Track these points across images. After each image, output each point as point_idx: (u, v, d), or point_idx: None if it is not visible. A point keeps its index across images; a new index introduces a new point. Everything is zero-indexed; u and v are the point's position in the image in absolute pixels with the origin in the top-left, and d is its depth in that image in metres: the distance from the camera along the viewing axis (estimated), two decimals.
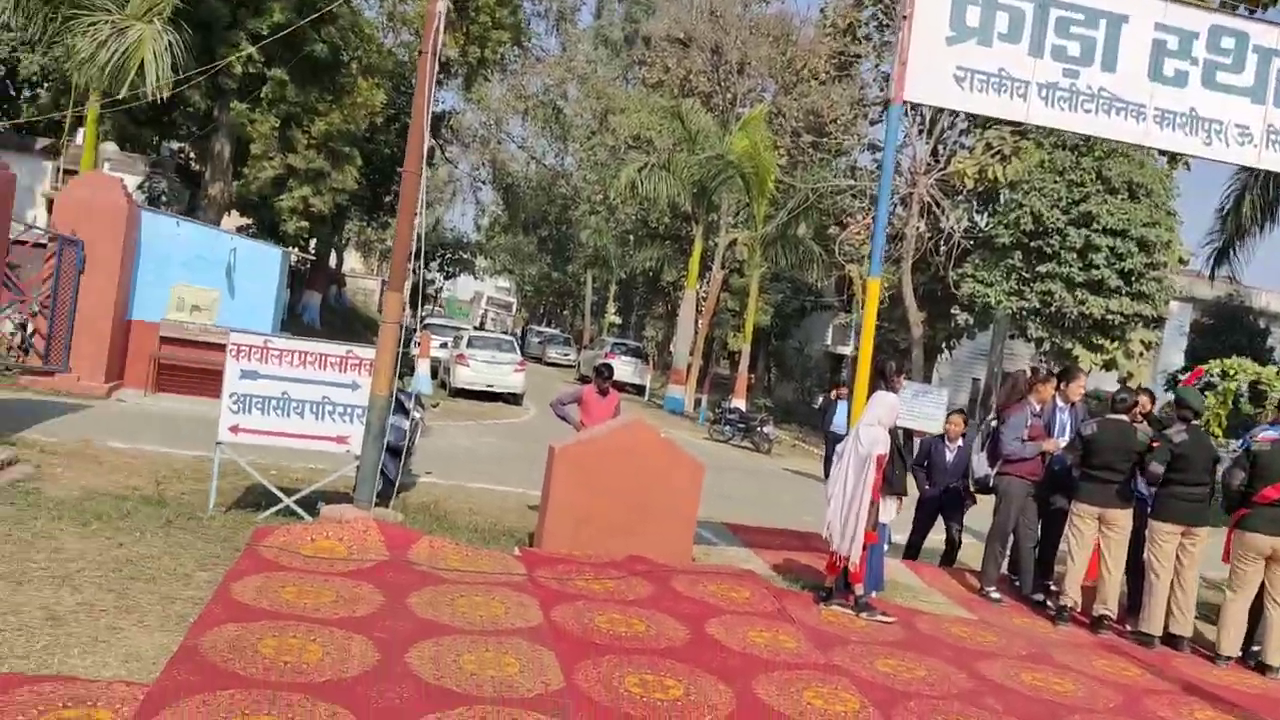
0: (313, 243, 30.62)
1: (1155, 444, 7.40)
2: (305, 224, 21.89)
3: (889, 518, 7.46)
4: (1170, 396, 19.23)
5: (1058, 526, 8.21)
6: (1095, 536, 7.54)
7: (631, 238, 40.85)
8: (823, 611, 6.86)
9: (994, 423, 8.44)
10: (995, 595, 7.99)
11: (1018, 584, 8.30)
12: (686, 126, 27.64)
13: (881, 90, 27.16)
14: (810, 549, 8.66)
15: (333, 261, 42.65)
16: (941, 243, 23.53)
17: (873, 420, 6.86)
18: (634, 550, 7.40)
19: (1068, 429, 8.13)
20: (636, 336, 43.46)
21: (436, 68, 8.70)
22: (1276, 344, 31.16)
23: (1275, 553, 6.98)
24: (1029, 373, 8.44)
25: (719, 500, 12.79)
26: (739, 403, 24.84)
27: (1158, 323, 22.18)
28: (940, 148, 25.34)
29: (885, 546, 8.63)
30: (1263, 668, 7.00)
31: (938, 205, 23.73)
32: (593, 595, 6.42)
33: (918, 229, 24.32)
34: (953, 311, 26.10)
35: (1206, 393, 14.88)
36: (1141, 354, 23.51)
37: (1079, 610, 7.61)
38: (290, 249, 21.21)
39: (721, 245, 30.12)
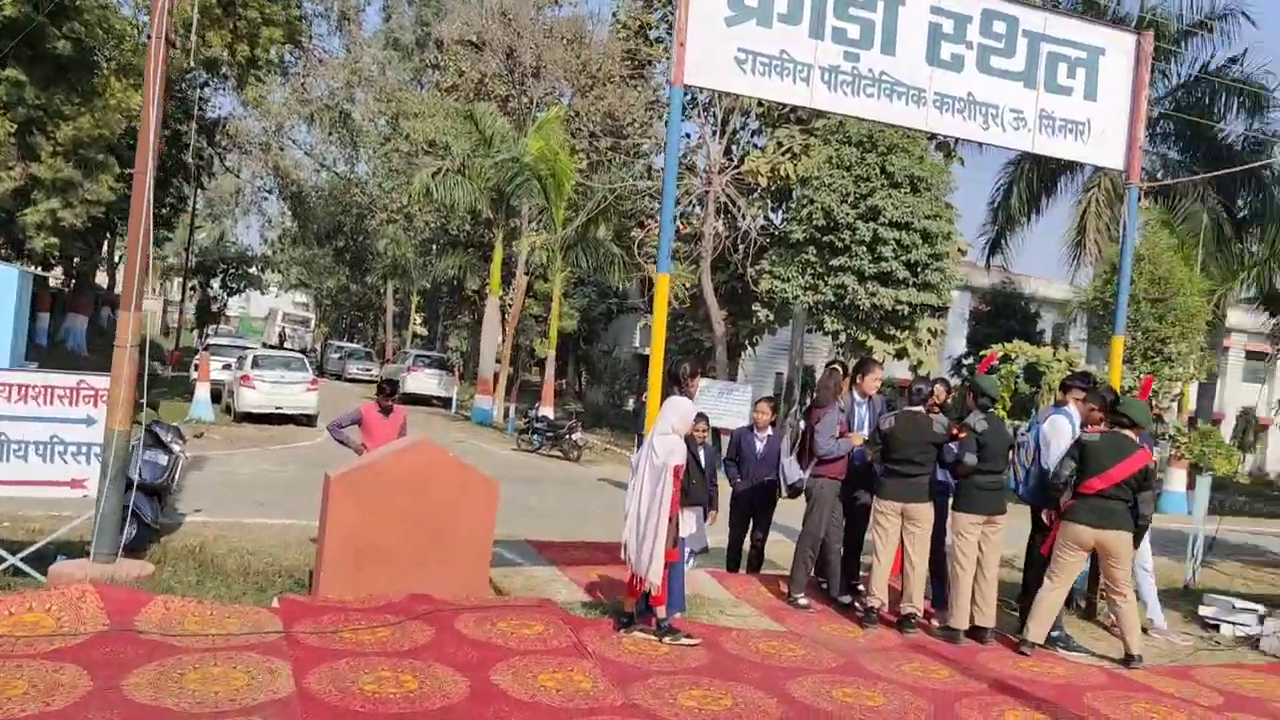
0: (73, 261, 27.74)
1: (959, 434, 7.23)
2: (55, 240, 19.59)
3: (689, 531, 6.95)
4: (956, 382, 20.01)
5: (861, 524, 7.97)
6: (899, 533, 7.29)
7: (434, 246, 39.46)
8: (624, 639, 6.25)
9: (800, 423, 8.09)
10: (803, 602, 7.63)
11: (825, 586, 7.99)
12: (481, 130, 26.75)
13: None
14: (619, 562, 8.06)
15: (103, 281, 39.13)
16: (739, 241, 23.66)
17: (666, 428, 6.31)
18: (424, 585, 6.62)
19: (866, 424, 7.87)
20: (442, 348, 42.03)
21: (165, 52, 7.61)
22: (1046, 327, 33.36)
23: (1100, 544, 6.91)
24: (839, 369, 8.10)
25: (525, 515, 12.08)
26: (547, 410, 24.16)
27: (942, 311, 23.04)
28: (734, 147, 25.53)
29: (688, 563, 8.16)
30: (1128, 659, 6.89)
31: (734, 204, 23.85)
32: (361, 649, 5.56)
33: (716, 228, 24.36)
34: (754, 308, 26.37)
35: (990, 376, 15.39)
36: (929, 341, 24.39)
37: (886, 610, 7.35)
38: (34, 268, 18.95)
39: (524, 250, 29.35)
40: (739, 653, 6.28)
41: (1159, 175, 26.85)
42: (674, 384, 6.87)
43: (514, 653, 5.75)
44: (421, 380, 31.86)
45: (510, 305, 29.75)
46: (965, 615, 7.11)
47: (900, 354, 22.70)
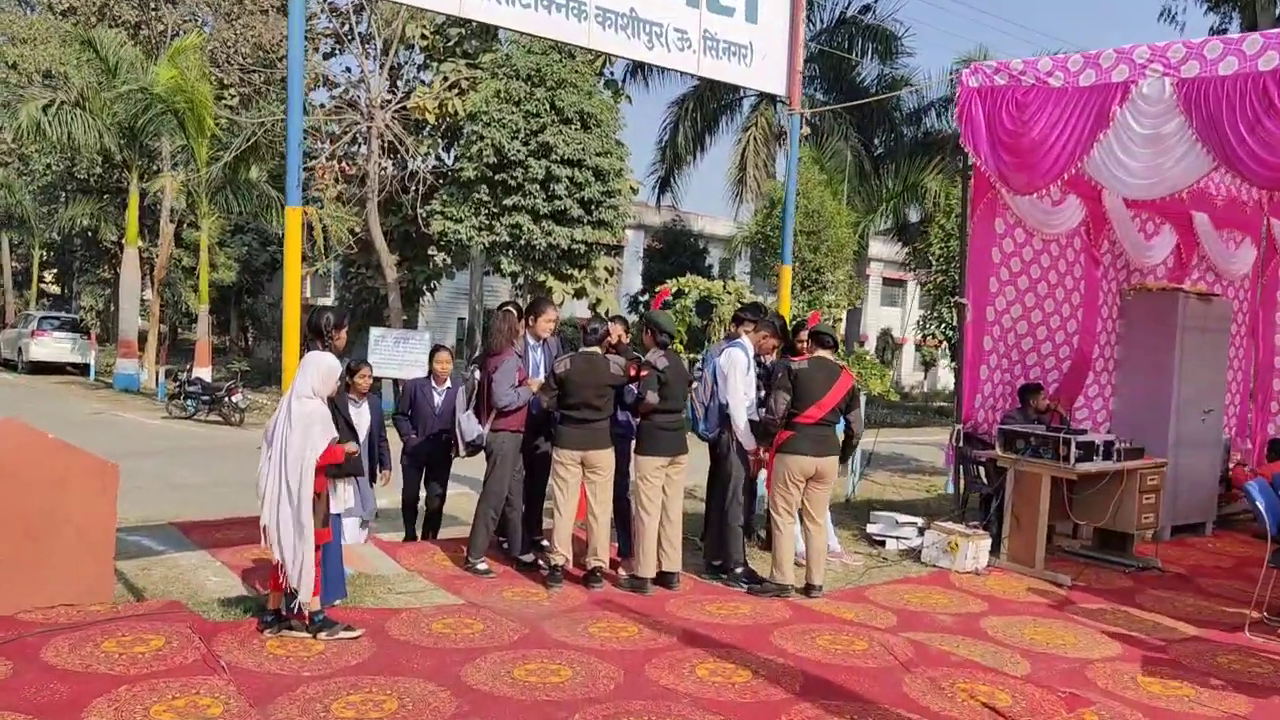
0: None
1: (639, 374, 6.80)
2: None
3: (348, 505, 6.02)
4: (634, 319, 20.13)
5: (542, 475, 7.41)
6: (580, 483, 6.79)
7: (63, 194, 34.27)
8: (269, 642, 5.26)
9: (476, 373, 7.33)
10: (482, 567, 6.96)
11: (505, 545, 7.36)
12: (104, 58, 23.17)
13: (330, 21, 24.99)
14: None
15: None
16: (408, 181, 22.30)
17: (305, 389, 5.32)
18: (18, 598, 5.29)
19: (542, 368, 7.27)
20: (76, 308, 36.93)
21: None
22: (714, 262, 34.80)
23: (818, 472, 6.80)
24: (513, 311, 7.38)
25: (175, 493, 10.51)
26: (203, 371, 21.70)
27: (618, 250, 23.12)
28: (400, 83, 23.94)
29: (362, 534, 7.23)
30: (809, 589, 6.78)
31: (401, 143, 22.38)
32: None
33: (384, 167, 22.81)
34: (430, 252, 25.17)
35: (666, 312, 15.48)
36: (607, 280, 24.48)
37: (571, 565, 6.84)
38: None
39: (168, 195, 26.05)
40: (409, 638, 5.49)
41: (808, 116, 28.54)
42: (315, 337, 5.84)
43: (122, 680, 4.61)
44: (50, 346, 27.69)
45: (158, 257, 26.43)
46: (652, 562, 6.76)
47: (579, 293, 22.54)
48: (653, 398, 6.72)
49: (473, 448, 7.20)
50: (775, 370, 7.03)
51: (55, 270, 43.53)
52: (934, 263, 14.05)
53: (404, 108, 22.68)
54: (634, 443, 7.01)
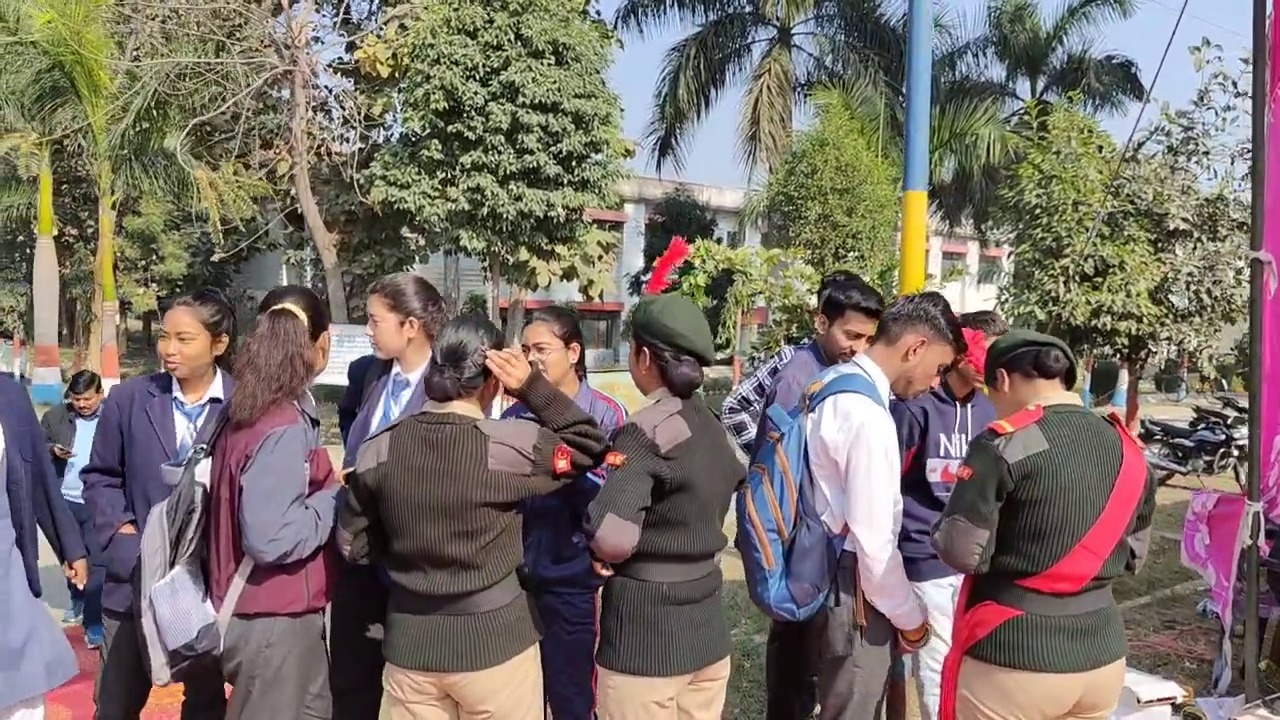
0: None
1: (607, 459, 2.22)
2: None
3: None
4: (636, 300, 15.44)
5: None
6: None
7: None
8: None
9: (198, 468, 2.71)
10: None
11: None
12: None
13: None
14: None
15: None
16: (345, 140, 17.63)
17: None
18: None
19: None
20: None
21: None
22: (722, 236, 30.16)
23: (1082, 704, 2.44)
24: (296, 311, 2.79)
25: None
26: (111, 380, 17.15)
27: (616, 225, 18.44)
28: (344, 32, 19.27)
29: None
30: None
31: (337, 98, 17.76)
32: None
33: (322, 127, 18.17)
34: (404, 233, 20.58)
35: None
36: (601, 257, 19.87)
37: None
38: None
39: (104, 175, 21.43)
40: None
41: (828, 60, 23.79)
42: None
43: None
44: None
45: (91, 248, 21.89)
46: None
47: (568, 274, 17.91)
48: (620, 533, 2.26)
49: (183, 662, 2.62)
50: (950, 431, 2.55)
51: None
52: (1024, 219, 9.70)
53: (346, 61, 18.08)
54: (597, 643, 2.52)
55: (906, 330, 2.87)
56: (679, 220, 28.24)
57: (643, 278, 26.21)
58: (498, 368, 2.57)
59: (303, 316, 2.74)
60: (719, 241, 26.96)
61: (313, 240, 17.99)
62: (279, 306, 2.75)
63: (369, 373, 3.38)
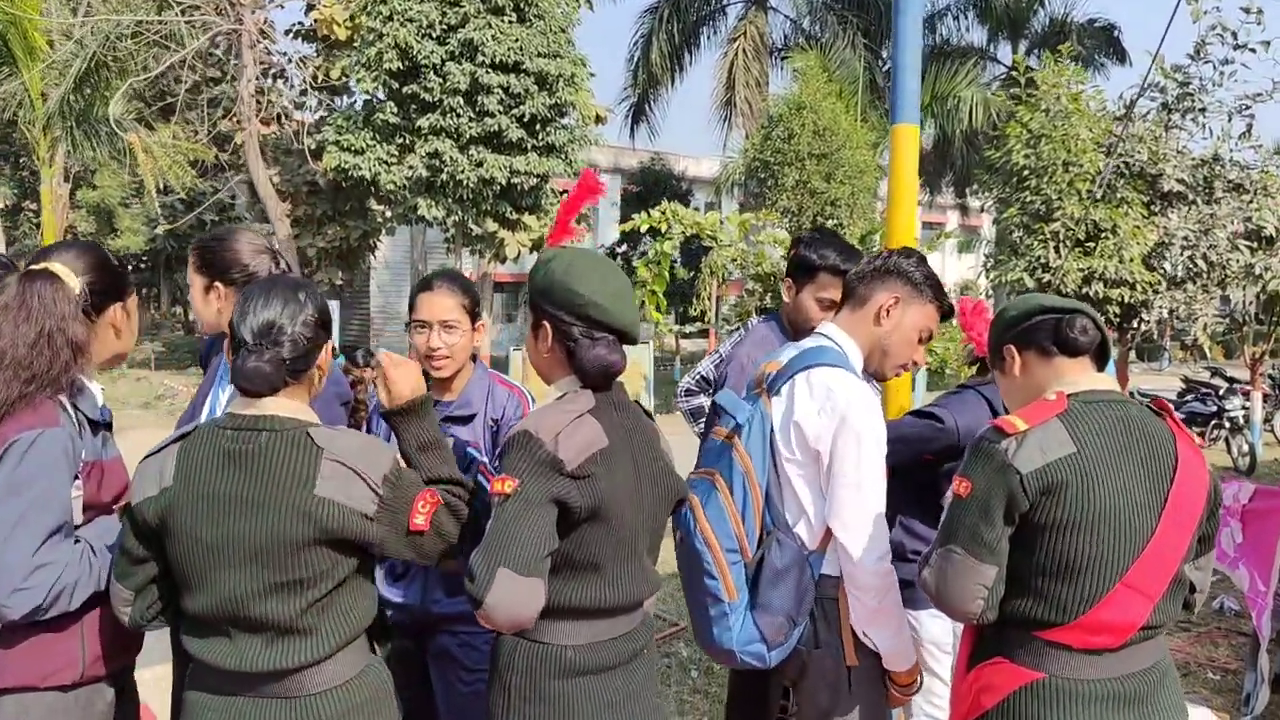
0: None
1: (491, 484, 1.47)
2: None
3: None
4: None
5: None
6: None
7: None
8: None
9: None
10: None
11: None
12: None
13: None
14: None
15: None
16: (293, 102, 16.70)
17: None
18: None
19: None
20: None
21: None
22: (699, 205, 29.35)
23: None
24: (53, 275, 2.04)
25: None
26: None
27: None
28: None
29: None
30: None
31: (282, 53, 16.80)
32: None
33: (279, 90, 17.21)
34: (371, 205, 19.69)
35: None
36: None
37: None
38: None
39: (42, 143, 20.39)
40: None
41: (805, 22, 22.93)
42: None
43: None
44: None
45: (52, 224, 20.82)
46: None
47: (537, 246, 17.13)
48: (518, 597, 1.62)
49: None
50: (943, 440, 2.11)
51: None
52: (1011, 181, 9.07)
53: (304, 25, 17.09)
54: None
55: (876, 288, 2.19)
56: (655, 190, 27.37)
57: (619, 251, 25.40)
58: (387, 368, 1.90)
59: (72, 281, 1.99)
60: (698, 209, 26.19)
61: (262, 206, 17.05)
62: (37, 267, 2.01)
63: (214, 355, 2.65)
